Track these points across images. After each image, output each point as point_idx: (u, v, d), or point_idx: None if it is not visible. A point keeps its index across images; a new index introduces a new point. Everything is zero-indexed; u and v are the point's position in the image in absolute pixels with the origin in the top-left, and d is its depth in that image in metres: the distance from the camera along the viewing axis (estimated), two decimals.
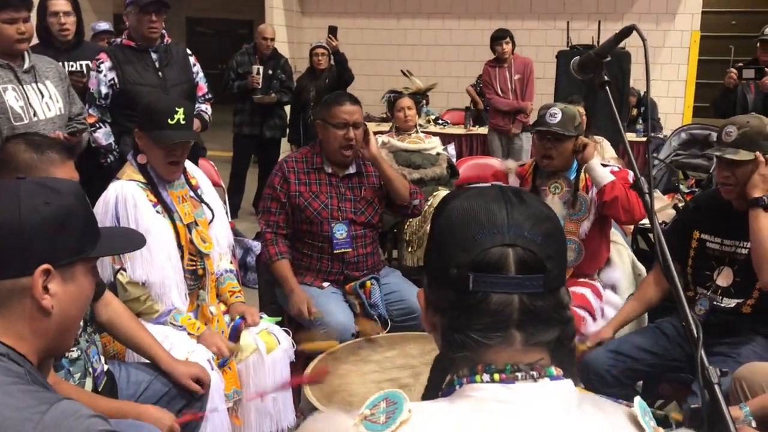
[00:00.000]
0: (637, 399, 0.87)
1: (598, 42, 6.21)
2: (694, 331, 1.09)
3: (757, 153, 2.20)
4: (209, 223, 2.52)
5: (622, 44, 1.40)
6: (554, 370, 0.86)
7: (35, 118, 2.78)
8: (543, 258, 0.85)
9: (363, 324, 2.64)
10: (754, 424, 1.79)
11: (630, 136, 6.27)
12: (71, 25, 3.65)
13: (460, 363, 0.87)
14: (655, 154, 4.33)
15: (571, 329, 0.89)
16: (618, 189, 2.65)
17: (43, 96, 2.85)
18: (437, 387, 0.90)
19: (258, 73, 5.81)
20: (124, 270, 2.24)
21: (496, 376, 0.84)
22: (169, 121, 2.31)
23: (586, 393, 0.87)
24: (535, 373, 0.84)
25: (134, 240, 1.33)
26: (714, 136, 4.59)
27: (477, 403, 0.82)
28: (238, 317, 2.49)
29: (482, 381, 0.84)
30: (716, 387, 1.04)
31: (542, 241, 0.86)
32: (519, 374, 0.84)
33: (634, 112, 6.82)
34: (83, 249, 1.12)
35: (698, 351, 1.06)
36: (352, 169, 2.90)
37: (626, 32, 1.37)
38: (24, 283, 1.05)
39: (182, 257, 2.37)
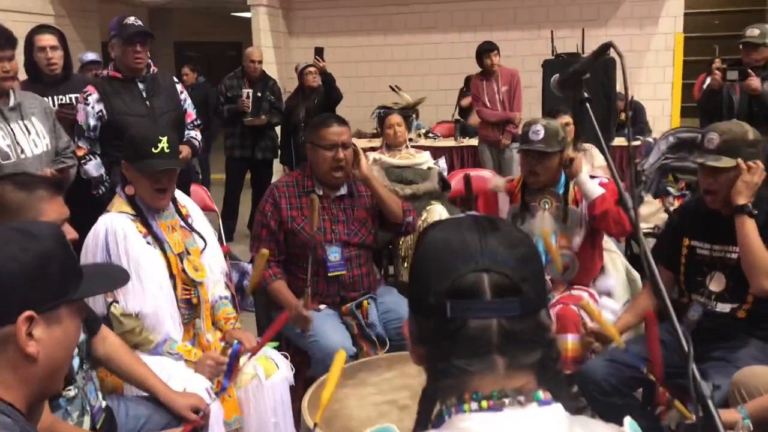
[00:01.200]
0: (628, 419, 0.87)
1: (583, 49, 6.24)
2: (685, 346, 1.09)
3: (739, 160, 2.21)
4: (201, 252, 2.52)
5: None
6: (542, 394, 0.86)
7: (23, 156, 2.79)
8: (518, 281, 0.87)
9: None
10: (751, 427, 1.80)
11: (619, 141, 6.29)
12: (58, 59, 3.67)
13: (447, 392, 0.88)
14: (645, 160, 4.34)
15: (555, 351, 0.90)
16: (608, 202, 2.66)
17: (29, 133, 2.86)
18: (426, 418, 0.90)
19: (248, 97, 5.84)
20: (117, 302, 2.24)
21: (484, 404, 0.84)
22: (153, 150, 2.33)
23: (576, 416, 0.88)
24: (522, 398, 0.85)
25: (117, 277, 1.33)
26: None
27: None
28: (236, 342, 2.48)
29: (470, 410, 0.84)
30: (709, 401, 1.05)
31: (516, 264, 0.87)
32: (506, 400, 0.84)
33: (623, 116, 6.84)
34: (66, 292, 1.11)
35: (689, 365, 1.06)
36: (343, 191, 2.90)
37: (604, 49, 1.39)
38: (7, 332, 1.04)
39: (175, 287, 2.37)
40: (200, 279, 2.47)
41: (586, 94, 1.43)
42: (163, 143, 2.34)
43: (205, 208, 3.45)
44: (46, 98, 3.66)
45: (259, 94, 5.96)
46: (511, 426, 0.82)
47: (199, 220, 2.62)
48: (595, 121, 1.41)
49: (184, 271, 2.41)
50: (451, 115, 7.83)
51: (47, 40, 3.64)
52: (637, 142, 6.16)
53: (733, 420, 1.83)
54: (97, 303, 2.24)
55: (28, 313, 1.04)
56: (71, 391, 1.83)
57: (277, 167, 6.63)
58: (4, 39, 2.74)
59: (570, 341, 2.55)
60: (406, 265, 3.98)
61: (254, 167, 6.14)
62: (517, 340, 0.86)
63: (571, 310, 2.60)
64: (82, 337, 1.92)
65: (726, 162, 2.22)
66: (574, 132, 4.33)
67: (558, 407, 0.86)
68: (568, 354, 2.53)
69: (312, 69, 6.17)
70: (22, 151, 2.79)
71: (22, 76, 3.68)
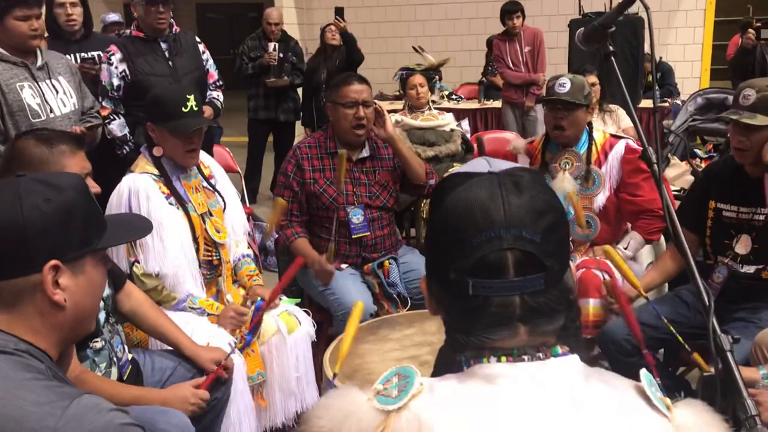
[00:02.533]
0: (643, 371, 0.87)
1: (611, 8, 6.10)
2: (706, 300, 1.09)
3: None
4: (223, 212, 2.54)
5: (634, 9, 1.38)
6: (560, 349, 0.86)
7: (52, 115, 2.81)
8: (543, 257, 0.83)
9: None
10: None
11: (647, 102, 6.19)
12: (78, 16, 3.70)
13: (467, 354, 0.87)
14: (670, 122, 4.27)
15: (576, 310, 0.89)
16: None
17: (57, 92, 2.88)
18: (444, 372, 0.90)
19: (274, 49, 5.81)
20: (138, 262, 2.28)
21: (503, 359, 0.84)
22: (183, 109, 2.33)
23: (593, 367, 0.88)
24: (541, 354, 0.85)
25: (140, 227, 1.34)
26: (730, 99, 4.51)
27: (485, 378, 0.84)
28: (259, 299, 2.52)
29: (489, 362, 0.85)
30: (729, 354, 1.05)
31: (542, 238, 0.83)
32: (525, 357, 0.84)
33: (650, 78, 6.71)
34: (89, 242, 1.13)
35: (710, 319, 1.06)
36: (365, 153, 2.90)
37: (629, 1, 1.36)
38: (34, 280, 1.06)
39: (197, 248, 2.39)
40: (222, 241, 2.49)
41: (611, 48, 1.40)
42: (192, 102, 2.35)
43: (228, 170, 3.48)
44: (68, 56, 3.70)
45: (281, 55, 5.93)
46: (528, 374, 0.83)
47: (222, 180, 2.63)
48: (621, 76, 1.39)
49: (206, 231, 2.44)
50: (481, 74, 7.72)
51: None
52: (665, 104, 6.05)
53: (753, 378, 1.83)
54: (120, 262, 2.27)
55: (53, 262, 1.07)
56: (98, 343, 1.87)
57: (299, 130, 6.62)
58: None
59: (591, 306, 2.54)
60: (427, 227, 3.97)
61: (276, 129, 6.14)
62: (539, 312, 0.84)
63: (593, 274, 2.59)
64: (108, 291, 1.96)
65: (762, 120, 2.15)
66: (599, 92, 4.26)
67: (575, 358, 0.86)
68: (589, 318, 2.54)
69: (332, 27, 6.13)
70: (51, 110, 2.82)
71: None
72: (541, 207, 0.85)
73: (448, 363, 0.90)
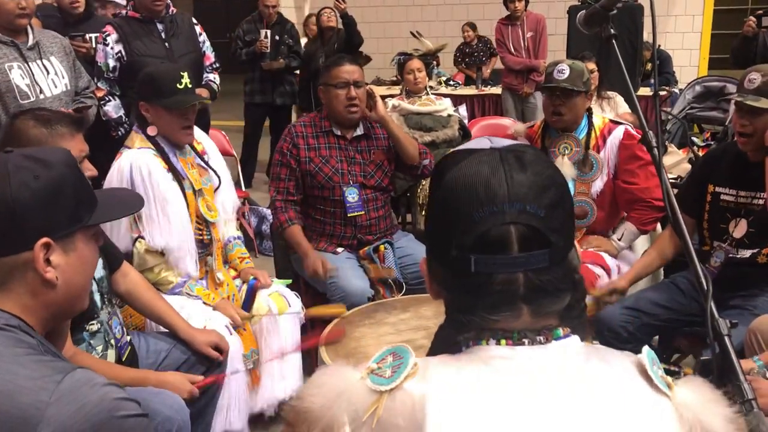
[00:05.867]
0: (646, 348, 0.85)
1: None
2: (704, 284, 1.09)
3: None
4: (215, 190, 2.53)
5: None
6: (561, 331, 0.84)
7: (41, 96, 2.79)
8: (547, 233, 0.81)
9: (376, 271, 2.75)
10: (767, 374, 1.79)
11: (644, 90, 6.17)
12: None
13: (467, 336, 0.85)
14: (669, 109, 4.26)
15: (581, 291, 0.87)
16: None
17: (48, 72, 2.85)
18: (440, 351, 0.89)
19: (266, 37, 5.78)
20: (143, 238, 2.26)
21: (503, 342, 0.82)
22: (178, 86, 2.32)
23: (592, 346, 0.87)
24: (542, 338, 0.83)
25: (132, 202, 1.32)
26: (729, 87, 4.50)
27: (482, 359, 0.82)
28: (251, 278, 2.52)
29: (488, 345, 0.83)
30: (726, 339, 1.05)
31: (546, 213, 0.81)
32: (526, 340, 0.82)
33: (648, 66, 6.69)
34: (80, 218, 1.11)
35: (708, 303, 1.06)
36: (359, 131, 2.89)
37: None
38: (25, 258, 1.05)
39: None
40: (213, 219, 2.48)
41: (612, 30, 1.38)
42: (186, 79, 2.33)
43: (224, 153, 3.46)
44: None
45: (277, 38, 5.89)
46: (528, 356, 0.82)
47: (215, 157, 2.61)
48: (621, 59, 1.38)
49: (198, 209, 2.42)
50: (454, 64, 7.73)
51: None
52: (662, 92, 6.04)
53: (748, 369, 1.83)
54: (122, 239, 2.25)
55: (44, 239, 1.05)
56: (94, 326, 1.86)
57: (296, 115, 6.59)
58: None
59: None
60: (423, 213, 3.97)
61: (273, 113, 6.11)
62: (543, 291, 0.82)
63: (588, 269, 2.59)
64: (103, 273, 1.94)
65: (765, 103, 2.14)
66: (598, 78, 4.25)
67: (575, 339, 0.85)
68: None
69: (327, 10, 6.09)
70: (41, 91, 2.79)
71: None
72: (545, 182, 0.83)
73: (446, 344, 0.88)
